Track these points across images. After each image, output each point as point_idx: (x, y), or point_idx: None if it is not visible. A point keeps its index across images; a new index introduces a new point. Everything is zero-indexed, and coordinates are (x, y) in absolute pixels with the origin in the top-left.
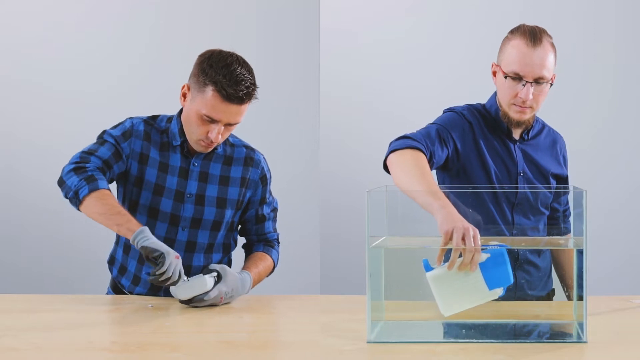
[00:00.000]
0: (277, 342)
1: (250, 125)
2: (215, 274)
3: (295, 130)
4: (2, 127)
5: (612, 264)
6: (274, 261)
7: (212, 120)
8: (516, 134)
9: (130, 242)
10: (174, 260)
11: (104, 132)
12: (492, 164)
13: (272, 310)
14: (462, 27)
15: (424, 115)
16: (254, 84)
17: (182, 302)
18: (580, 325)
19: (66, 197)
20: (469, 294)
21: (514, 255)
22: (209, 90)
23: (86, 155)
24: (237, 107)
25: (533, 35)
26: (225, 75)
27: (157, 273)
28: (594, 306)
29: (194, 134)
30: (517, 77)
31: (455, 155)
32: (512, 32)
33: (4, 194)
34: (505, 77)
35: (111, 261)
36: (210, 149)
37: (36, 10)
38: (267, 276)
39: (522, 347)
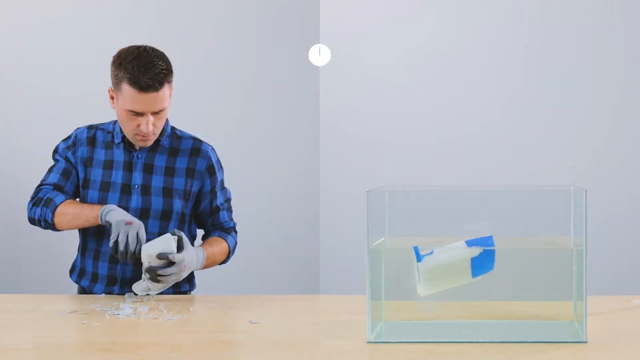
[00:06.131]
0: (277, 342)
1: (251, 125)
2: (176, 237)
3: (295, 131)
4: (2, 127)
5: (612, 264)
6: (229, 246)
7: (138, 114)
8: None
9: (102, 222)
10: (123, 228)
11: (56, 148)
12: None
13: (272, 310)
14: (463, 28)
15: (424, 114)
16: (165, 69)
17: (148, 270)
18: (580, 325)
19: (43, 228)
20: (452, 280)
21: None
22: (125, 86)
23: (38, 188)
24: (154, 94)
25: None
26: (134, 68)
27: (110, 244)
28: (594, 306)
29: (128, 131)
30: None
31: None
32: None
33: (4, 194)
34: None
35: (72, 269)
36: (150, 142)
37: (36, 10)
38: (224, 262)
39: (522, 347)
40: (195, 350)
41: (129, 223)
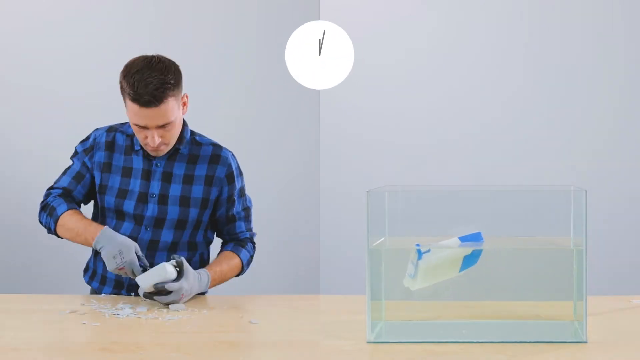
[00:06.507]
0: (277, 342)
1: (251, 125)
2: (173, 261)
3: (295, 131)
4: (2, 127)
5: (612, 264)
6: (241, 261)
7: (143, 127)
8: None
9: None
10: (118, 256)
11: (75, 149)
12: None
13: (271, 311)
14: (463, 28)
15: (424, 114)
16: (168, 83)
17: (146, 296)
18: (580, 325)
19: (49, 233)
20: (443, 275)
21: None
22: (128, 101)
23: (49, 191)
24: (155, 109)
25: None
26: (134, 82)
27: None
28: (594, 306)
29: (140, 141)
30: None
31: None
32: None
33: (5, 194)
34: None
35: (85, 270)
36: (162, 152)
37: (36, 10)
38: (237, 276)
39: (522, 347)
40: (195, 350)
41: (120, 269)
